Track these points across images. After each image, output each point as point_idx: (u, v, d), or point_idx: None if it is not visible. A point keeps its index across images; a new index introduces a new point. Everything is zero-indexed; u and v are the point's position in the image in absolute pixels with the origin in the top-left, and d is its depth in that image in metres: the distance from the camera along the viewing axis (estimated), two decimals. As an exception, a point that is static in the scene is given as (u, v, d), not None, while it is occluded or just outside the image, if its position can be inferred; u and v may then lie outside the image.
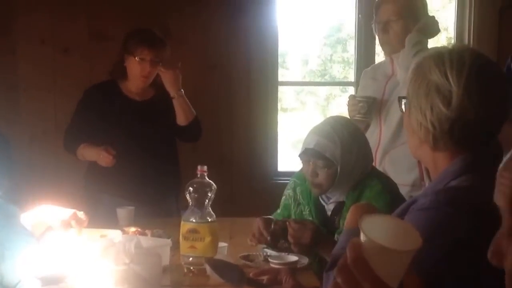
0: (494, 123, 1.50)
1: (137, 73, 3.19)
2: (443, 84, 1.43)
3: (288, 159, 4.60)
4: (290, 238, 2.25)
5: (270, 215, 2.61)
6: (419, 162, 2.88)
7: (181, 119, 3.27)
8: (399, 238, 0.86)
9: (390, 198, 2.28)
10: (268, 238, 2.33)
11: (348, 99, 3.08)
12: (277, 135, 4.32)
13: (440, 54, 1.48)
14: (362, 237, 0.88)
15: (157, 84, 3.33)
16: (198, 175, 2.16)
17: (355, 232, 1.72)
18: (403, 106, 1.59)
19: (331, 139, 2.33)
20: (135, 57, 3.16)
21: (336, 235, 2.33)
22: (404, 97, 1.58)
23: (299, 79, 5.23)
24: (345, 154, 2.33)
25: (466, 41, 4.28)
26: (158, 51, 3.20)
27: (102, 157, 3.06)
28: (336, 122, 2.41)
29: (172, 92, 3.23)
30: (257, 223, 2.38)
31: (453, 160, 1.49)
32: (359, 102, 2.98)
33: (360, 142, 2.43)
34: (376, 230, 0.87)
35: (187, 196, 2.15)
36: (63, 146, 3.32)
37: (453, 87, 1.42)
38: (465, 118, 1.43)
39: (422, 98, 1.47)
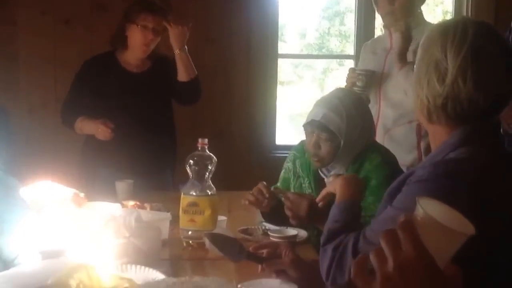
0: (489, 104, 1.50)
1: (138, 42, 3.17)
2: (441, 61, 1.46)
3: (285, 132, 4.61)
4: (287, 211, 2.25)
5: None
6: (418, 144, 2.90)
7: (183, 76, 3.25)
8: (452, 224, 0.85)
9: (389, 170, 2.29)
10: (267, 196, 2.34)
11: (348, 72, 3.08)
12: (275, 108, 4.32)
13: (446, 28, 1.49)
14: (419, 212, 0.86)
15: (154, 56, 3.30)
16: (199, 148, 2.16)
17: (347, 204, 1.74)
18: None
19: (338, 113, 2.33)
20: (137, 25, 3.14)
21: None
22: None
23: (296, 52, 5.20)
24: (350, 129, 2.33)
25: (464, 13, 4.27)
26: (160, 20, 3.18)
27: (100, 130, 3.05)
28: (345, 96, 2.41)
29: (176, 47, 3.22)
30: (260, 185, 2.40)
31: (451, 133, 1.51)
32: (358, 75, 2.98)
33: (365, 117, 2.43)
34: (433, 209, 0.86)
35: (188, 169, 2.15)
36: (61, 120, 3.31)
37: (449, 65, 1.44)
38: (457, 97, 1.45)
39: (422, 70, 1.50)
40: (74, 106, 3.21)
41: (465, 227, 0.86)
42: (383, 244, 0.85)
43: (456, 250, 0.85)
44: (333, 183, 1.89)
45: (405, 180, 1.49)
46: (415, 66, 1.57)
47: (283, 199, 2.30)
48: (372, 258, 0.86)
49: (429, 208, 0.86)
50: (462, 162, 1.44)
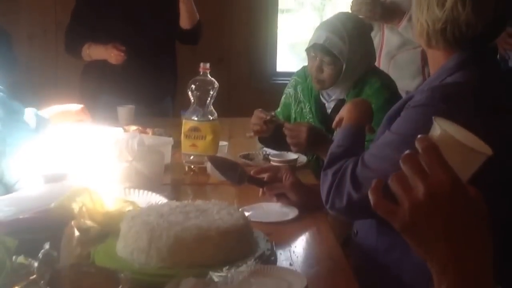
0: (486, 29, 1.51)
1: None
2: None
3: (285, 60, 4.57)
4: (288, 139, 2.26)
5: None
6: (423, 69, 2.87)
7: (185, 22, 3.19)
8: (471, 142, 0.83)
9: (389, 95, 2.31)
10: (268, 117, 2.35)
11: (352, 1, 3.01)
12: (276, 35, 4.28)
13: None
14: (436, 132, 0.83)
15: None
16: (201, 73, 2.14)
17: (352, 129, 1.74)
18: None
19: (341, 37, 2.33)
20: None
21: (335, 133, 2.35)
22: None
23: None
24: (352, 53, 2.34)
25: None
26: None
27: (113, 55, 3.01)
28: (348, 20, 2.41)
29: None
30: (256, 112, 2.41)
31: (449, 57, 1.53)
32: (363, 2, 2.91)
33: (367, 41, 2.45)
34: (450, 129, 0.84)
35: (189, 94, 2.14)
36: (65, 48, 3.26)
37: None
38: (456, 21, 1.47)
39: None
40: (78, 32, 3.15)
41: (482, 146, 0.84)
42: (407, 170, 0.80)
43: (475, 170, 0.82)
44: (344, 107, 1.88)
45: (404, 105, 1.51)
46: None
47: (275, 119, 2.32)
48: (394, 185, 0.81)
49: (445, 125, 0.83)
50: (459, 86, 1.46)
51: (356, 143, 1.73)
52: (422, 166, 0.79)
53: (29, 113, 2.00)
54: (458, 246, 0.77)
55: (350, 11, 2.97)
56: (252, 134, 2.43)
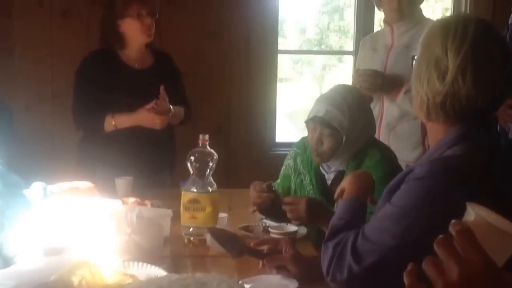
0: (487, 102, 1.53)
1: (139, 31, 3.11)
2: (441, 59, 1.49)
3: (285, 130, 4.61)
4: (288, 214, 2.26)
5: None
6: (423, 140, 2.91)
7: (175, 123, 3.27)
8: (503, 224, 0.85)
9: (389, 168, 2.31)
10: (265, 186, 2.35)
11: (353, 74, 3.08)
12: (275, 105, 4.31)
13: (446, 25, 1.52)
14: (469, 216, 0.85)
15: (155, 51, 3.29)
16: (200, 144, 2.16)
17: (355, 201, 1.74)
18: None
19: (341, 109, 2.36)
20: (132, 16, 3.08)
21: (335, 205, 2.35)
22: (415, 58, 1.63)
23: (295, 48, 5.20)
24: (352, 124, 2.36)
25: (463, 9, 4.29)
26: (151, 2, 3.16)
27: (158, 121, 3.03)
28: (346, 92, 2.43)
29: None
30: (253, 185, 2.41)
31: (448, 130, 1.54)
32: (364, 76, 2.97)
33: (367, 113, 2.47)
34: (482, 212, 0.85)
35: (188, 165, 2.15)
36: (77, 125, 3.23)
37: (450, 63, 1.48)
38: (456, 95, 1.48)
39: (423, 68, 1.53)
40: (87, 107, 3.14)
41: None
42: (441, 253, 0.81)
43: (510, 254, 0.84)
44: (345, 179, 1.89)
45: (404, 177, 1.51)
46: (414, 63, 1.59)
47: (282, 205, 2.30)
48: (428, 268, 0.82)
49: (478, 210, 0.85)
50: (459, 159, 1.47)
51: (358, 215, 1.73)
52: (456, 250, 0.80)
53: (37, 187, 2.03)
54: None
55: (349, 83, 3.04)
56: (255, 208, 2.42)
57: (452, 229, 0.82)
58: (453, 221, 0.83)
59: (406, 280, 0.86)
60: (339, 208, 1.78)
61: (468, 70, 1.46)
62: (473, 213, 0.85)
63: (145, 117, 3.04)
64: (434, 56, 1.50)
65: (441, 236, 0.82)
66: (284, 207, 2.27)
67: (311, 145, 2.44)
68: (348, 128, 2.35)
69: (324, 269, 1.58)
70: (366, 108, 2.49)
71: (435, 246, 0.82)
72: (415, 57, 1.62)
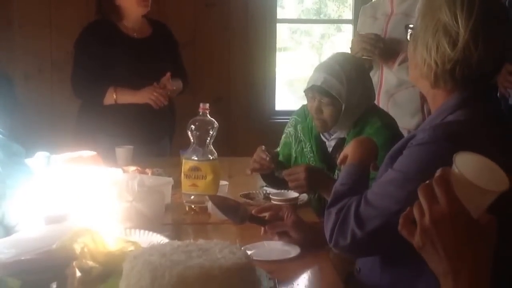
0: (494, 65, 1.55)
1: (135, 3, 3.14)
2: (451, 25, 1.48)
3: (284, 98, 4.60)
4: (290, 184, 2.27)
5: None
6: (422, 107, 2.90)
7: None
8: (487, 177, 0.91)
9: (389, 134, 2.32)
10: (268, 158, 2.36)
11: (354, 38, 3.06)
12: (275, 74, 4.32)
13: None
14: (453, 168, 0.93)
15: (153, 21, 3.29)
16: (200, 113, 2.16)
17: (358, 167, 1.74)
18: (408, 36, 1.64)
19: (339, 78, 2.35)
20: None
21: (336, 171, 2.36)
22: (411, 27, 1.63)
23: (294, 17, 5.18)
24: (351, 93, 2.35)
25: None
26: None
27: (153, 97, 3.08)
28: (345, 60, 2.42)
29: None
30: (258, 150, 2.42)
31: (450, 95, 1.54)
32: (366, 40, 2.95)
33: (365, 81, 2.46)
34: (467, 165, 0.93)
35: (189, 134, 2.15)
36: (76, 94, 3.25)
37: (461, 29, 1.47)
38: (467, 60, 1.48)
39: (429, 35, 1.51)
40: (87, 78, 3.16)
41: (499, 180, 0.92)
42: (420, 198, 0.94)
43: (488, 204, 0.92)
44: (348, 145, 1.89)
45: (406, 143, 1.51)
46: (415, 32, 1.58)
47: (281, 175, 2.32)
48: (414, 210, 0.96)
49: (464, 163, 0.92)
50: (461, 124, 1.48)
51: (360, 181, 1.73)
52: (433, 196, 0.94)
53: (41, 156, 2.03)
54: (456, 267, 0.94)
55: (349, 50, 3.02)
56: (249, 172, 2.43)
57: (436, 174, 0.94)
58: (439, 169, 0.94)
59: (400, 221, 0.99)
60: (341, 174, 1.78)
61: (479, 35, 1.46)
62: (454, 166, 0.93)
63: (147, 98, 3.09)
64: (442, 22, 1.49)
65: (424, 183, 0.94)
66: (285, 178, 2.28)
67: (311, 113, 2.44)
68: (347, 97, 2.34)
69: (327, 235, 1.58)
70: (364, 76, 2.48)
71: (418, 192, 0.95)
72: (411, 26, 1.63)
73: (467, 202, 0.91)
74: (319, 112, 2.39)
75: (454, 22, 1.47)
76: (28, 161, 2.08)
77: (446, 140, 1.42)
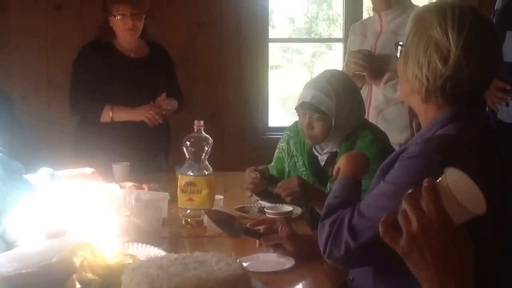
0: (484, 81, 1.59)
1: (121, 30, 3.23)
2: (442, 42, 1.51)
3: (277, 115, 4.65)
4: (282, 194, 2.32)
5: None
6: (411, 123, 2.97)
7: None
8: (469, 198, 0.97)
9: (381, 147, 2.36)
10: (258, 175, 2.41)
11: (347, 55, 3.11)
12: (267, 91, 4.36)
13: (443, 11, 1.54)
14: (440, 181, 0.98)
15: (151, 42, 3.36)
16: (195, 130, 2.20)
17: (350, 180, 1.78)
18: (398, 53, 1.67)
19: (327, 93, 2.39)
20: (115, 16, 3.19)
21: (328, 184, 2.40)
22: (401, 44, 1.65)
23: (286, 37, 5.24)
24: (340, 107, 2.39)
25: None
26: (135, 3, 3.22)
27: (148, 115, 3.14)
28: (332, 76, 2.47)
29: None
30: (248, 171, 2.47)
31: (440, 110, 1.58)
32: (358, 56, 3.00)
33: (354, 96, 2.50)
34: (455, 182, 0.98)
35: (184, 150, 2.19)
36: (73, 111, 3.31)
37: (452, 46, 1.50)
38: (458, 76, 1.51)
39: (421, 52, 1.55)
40: (85, 95, 3.21)
41: (479, 204, 0.97)
42: (407, 206, 0.97)
43: (463, 221, 0.98)
44: (341, 159, 1.93)
45: (397, 157, 1.55)
46: (405, 49, 1.61)
47: (275, 190, 2.36)
48: (399, 218, 0.99)
49: (453, 179, 0.97)
50: (451, 137, 1.51)
51: (353, 194, 1.76)
52: (419, 205, 0.97)
53: (44, 172, 2.07)
54: (443, 272, 0.97)
55: (340, 69, 3.08)
56: (250, 194, 2.48)
57: (423, 185, 0.97)
58: (426, 179, 0.97)
59: (380, 228, 1.03)
60: (334, 187, 1.81)
61: (470, 52, 1.50)
62: (443, 177, 0.98)
63: (143, 115, 3.15)
64: (433, 39, 1.52)
65: (409, 191, 0.99)
66: (278, 190, 2.32)
67: (302, 129, 2.48)
68: (336, 111, 2.39)
69: (321, 246, 1.61)
70: (353, 91, 2.52)
71: (403, 199, 0.98)
72: (401, 44, 1.66)
73: (451, 212, 0.96)
74: (310, 127, 2.44)
75: (445, 39, 1.50)
76: (32, 176, 2.12)
77: (437, 153, 1.45)
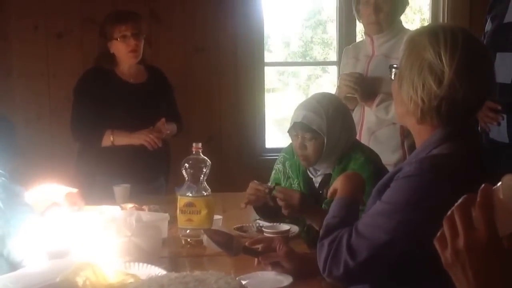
0: (477, 101, 1.63)
1: (124, 52, 3.26)
2: (436, 64, 1.54)
3: (273, 136, 4.69)
4: (280, 201, 2.34)
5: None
6: (402, 144, 3.01)
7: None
8: None
9: (373, 168, 2.39)
10: (267, 190, 2.42)
11: (340, 79, 3.16)
12: (264, 113, 4.40)
13: (435, 33, 1.57)
14: (497, 188, 0.91)
15: (149, 67, 3.42)
16: (193, 152, 2.25)
17: (346, 201, 1.81)
18: (393, 75, 1.70)
19: (317, 113, 2.44)
20: (117, 39, 3.24)
21: (323, 206, 2.43)
22: (395, 67, 1.69)
23: (281, 60, 5.31)
24: (331, 126, 2.44)
25: (441, 20, 4.41)
26: (134, 23, 3.28)
27: (148, 139, 3.17)
28: (322, 97, 2.52)
29: None
30: (252, 184, 2.48)
31: (434, 131, 1.61)
32: (350, 78, 3.06)
33: (344, 115, 2.54)
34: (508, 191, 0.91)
35: (183, 172, 2.23)
36: (76, 139, 3.36)
37: (446, 68, 1.53)
38: (453, 97, 1.55)
39: (415, 74, 1.57)
40: (89, 121, 3.25)
41: None
42: (457, 217, 0.90)
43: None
44: (337, 180, 1.94)
45: (393, 177, 1.57)
46: (399, 72, 1.64)
47: (274, 192, 2.38)
48: (445, 225, 0.92)
49: (508, 188, 0.90)
50: (445, 157, 1.55)
51: (351, 213, 1.77)
52: (470, 218, 0.90)
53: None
54: None
55: (334, 91, 3.13)
56: (243, 205, 2.49)
57: (479, 194, 0.90)
58: (484, 185, 0.90)
59: (438, 235, 0.94)
60: (332, 207, 1.83)
61: (464, 73, 1.53)
62: (499, 186, 0.91)
63: (143, 140, 3.19)
64: (426, 61, 1.55)
65: (463, 200, 0.91)
66: (277, 194, 2.34)
67: (296, 151, 2.52)
68: (328, 129, 2.43)
69: (320, 265, 1.63)
70: (343, 111, 2.56)
71: (454, 210, 0.91)
72: (395, 66, 1.69)
73: (500, 223, 0.89)
74: (303, 148, 2.47)
75: (439, 61, 1.53)
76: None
77: (431, 172, 1.48)
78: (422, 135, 1.65)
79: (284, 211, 2.35)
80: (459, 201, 0.91)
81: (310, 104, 2.48)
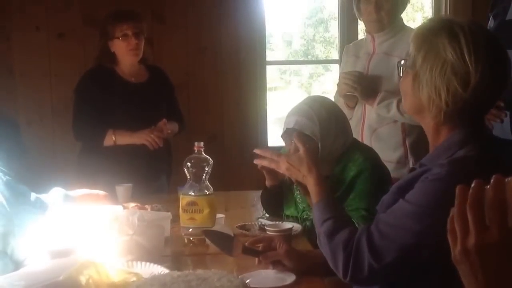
0: (496, 101, 1.62)
1: (125, 50, 3.28)
2: (460, 66, 1.49)
3: (275, 135, 4.69)
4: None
5: (261, 188, 2.71)
6: (404, 141, 3.01)
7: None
8: None
9: (372, 166, 2.38)
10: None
11: (339, 77, 3.17)
12: (266, 112, 4.42)
13: (454, 32, 1.52)
14: (510, 181, 0.88)
15: (150, 66, 3.43)
16: (195, 151, 2.25)
17: (324, 200, 1.77)
18: (401, 72, 1.66)
19: (309, 117, 2.39)
20: (118, 38, 3.25)
21: (296, 188, 2.43)
22: (403, 64, 1.65)
23: (283, 59, 5.32)
24: (324, 130, 2.39)
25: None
26: (135, 22, 3.29)
27: (149, 139, 3.20)
28: (313, 101, 2.47)
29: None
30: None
31: (454, 130, 1.58)
32: (349, 77, 3.06)
33: (338, 118, 2.48)
34: None
35: (186, 171, 2.24)
36: (78, 139, 3.37)
37: (471, 69, 1.48)
38: (478, 100, 1.52)
39: (437, 76, 1.52)
40: (92, 121, 3.27)
41: None
42: (469, 214, 0.87)
43: None
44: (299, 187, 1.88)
45: (419, 177, 1.53)
46: (414, 74, 1.58)
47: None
48: (457, 225, 0.88)
49: None
50: (474, 160, 1.51)
51: (336, 209, 1.75)
52: (481, 218, 0.86)
53: (57, 192, 2.16)
54: None
55: (339, 90, 3.13)
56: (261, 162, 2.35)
57: (490, 190, 0.87)
58: (495, 176, 0.87)
59: (449, 225, 0.91)
60: (315, 214, 1.78)
61: (489, 74, 1.49)
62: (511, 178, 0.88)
63: (144, 139, 3.22)
64: (449, 63, 1.50)
65: (474, 195, 0.88)
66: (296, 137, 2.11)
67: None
68: (321, 134, 2.38)
69: (340, 271, 1.58)
70: (337, 114, 2.49)
71: (467, 206, 0.87)
72: (403, 63, 1.64)
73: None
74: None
75: (462, 62, 1.48)
76: (44, 196, 2.19)
77: (464, 177, 1.47)
78: (440, 134, 1.60)
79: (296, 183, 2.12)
80: (471, 193, 0.88)
81: (301, 110, 2.43)
